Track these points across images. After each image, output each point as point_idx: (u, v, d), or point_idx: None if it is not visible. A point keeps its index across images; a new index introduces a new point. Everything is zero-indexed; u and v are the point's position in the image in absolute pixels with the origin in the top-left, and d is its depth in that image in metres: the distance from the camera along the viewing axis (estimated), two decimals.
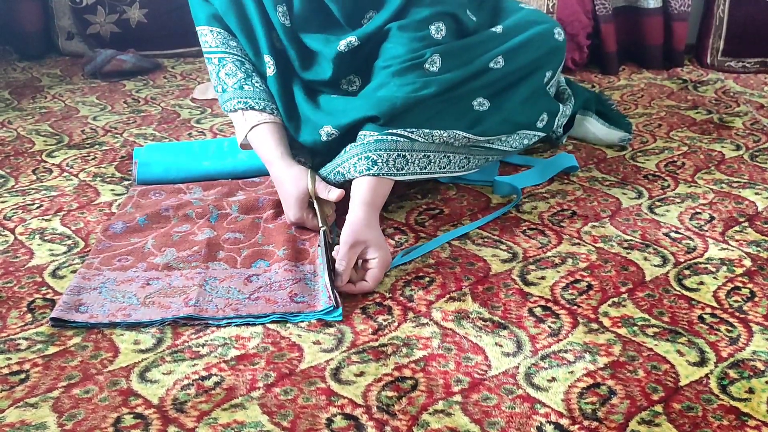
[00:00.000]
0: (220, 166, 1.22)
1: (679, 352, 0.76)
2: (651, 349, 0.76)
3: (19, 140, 1.46)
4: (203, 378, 0.73)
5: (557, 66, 1.19)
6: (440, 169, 1.03)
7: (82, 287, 0.88)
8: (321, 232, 0.94)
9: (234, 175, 1.22)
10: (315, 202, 0.99)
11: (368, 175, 0.96)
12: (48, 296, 0.88)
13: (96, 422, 0.67)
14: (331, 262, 0.89)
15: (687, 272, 0.92)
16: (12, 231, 1.06)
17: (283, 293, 0.86)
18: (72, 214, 1.11)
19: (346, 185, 1.00)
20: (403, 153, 0.98)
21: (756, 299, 0.86)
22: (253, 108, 1.06)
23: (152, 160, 1.23)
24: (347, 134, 1.02)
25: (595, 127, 1.38)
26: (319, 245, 0.95)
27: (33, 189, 1.21)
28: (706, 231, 1.04)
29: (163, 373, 0.74)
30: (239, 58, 1.08)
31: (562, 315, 0.83)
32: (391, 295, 0.88)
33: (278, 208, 1.07)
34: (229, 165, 1.22)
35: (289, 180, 1.01)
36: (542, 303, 0.85)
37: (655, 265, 0.94)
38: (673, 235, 1.03)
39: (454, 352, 0.77)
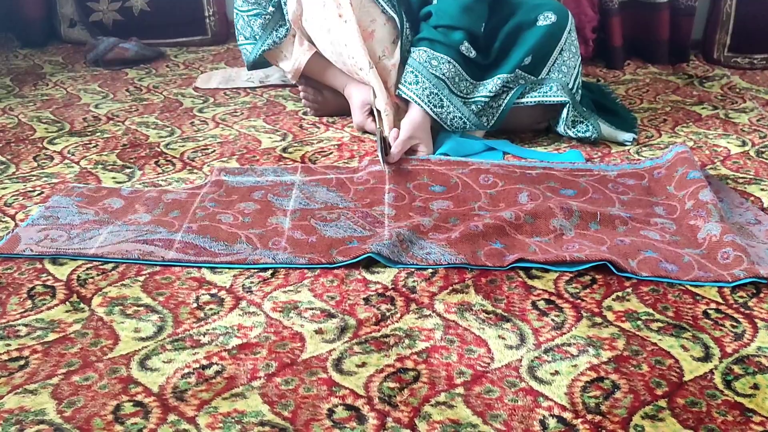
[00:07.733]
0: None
1: (683, 347, 0.75)
2: (655, 344, 0.76)
3: (21, 127, 1.45)
4: (204, 367, 0.72)
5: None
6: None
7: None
8: (378, 132, 1.24)
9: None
10: (375, 112, 1.30)
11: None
12: (48, 283, 0.87)
13: (95, 409, 0.66)
14: (384, 148, 1.19)
15: None
16: (12, 217, 1.05)
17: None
18: None
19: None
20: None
21: (761, 295, 0.85)
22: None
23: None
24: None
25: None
26: (376, 140, 1.28)
27: (34, 176, 1.20)
28: None
29: (164, 362, 0.73)
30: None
31: (565, 308, 0.82)
32: (393, 286, 0.87)
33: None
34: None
35: (357, 94, 1.36)
36: (546, 296, 0.85)
37: None
38: None
39: (456, 344, 0.76)
